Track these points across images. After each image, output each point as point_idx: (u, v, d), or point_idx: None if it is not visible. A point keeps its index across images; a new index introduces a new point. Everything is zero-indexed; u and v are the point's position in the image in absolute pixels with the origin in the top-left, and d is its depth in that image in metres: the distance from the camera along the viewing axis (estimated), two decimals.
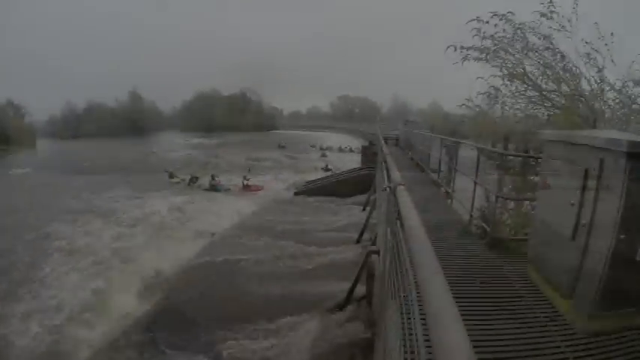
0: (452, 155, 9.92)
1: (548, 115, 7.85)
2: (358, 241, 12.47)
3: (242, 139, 73.23)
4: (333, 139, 66.80)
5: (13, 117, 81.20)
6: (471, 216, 7.27)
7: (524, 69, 7.87)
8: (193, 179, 26.56)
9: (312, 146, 52.45)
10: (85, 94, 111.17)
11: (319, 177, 25.40)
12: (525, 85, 7.96)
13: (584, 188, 3.63)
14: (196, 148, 54.71)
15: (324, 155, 42.21)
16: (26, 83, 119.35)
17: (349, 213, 16.73)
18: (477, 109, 9.69)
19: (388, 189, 3.85)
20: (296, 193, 21.03)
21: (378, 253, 5.42)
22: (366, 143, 30.59)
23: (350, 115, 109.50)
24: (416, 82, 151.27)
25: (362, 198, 18.35)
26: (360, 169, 21.52)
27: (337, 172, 27.02)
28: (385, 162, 7.51)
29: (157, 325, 8.85)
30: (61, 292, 10.30)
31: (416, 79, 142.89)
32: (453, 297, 1.14)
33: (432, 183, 12.05)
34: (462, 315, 1.04)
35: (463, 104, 9.70)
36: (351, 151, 46.78)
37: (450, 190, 9.46)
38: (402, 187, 3.19)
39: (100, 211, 18.24)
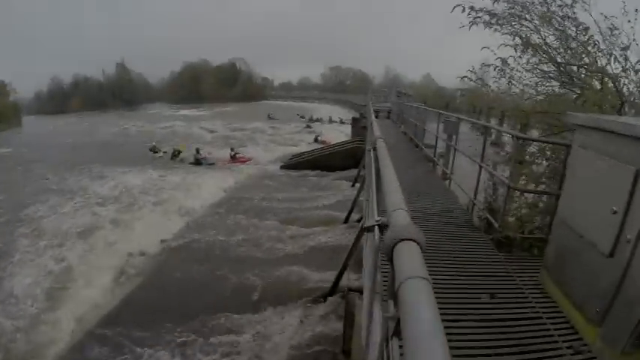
0: (451, 132, 8.99)
1: (573, 93, 6.79)
2: (346, 221, 11.61)
3: (231, 110, 72.19)
4: (324, 110, 65.29)
5: None
6: (474, 204, 6.39)
7: (544, 38, 6.82)
8: (176, 153, 25.50)
9: (302, 117, 50.71)
10: (73, 68, 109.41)
11: (308, 150, 24.42)
12: (540, 57, 6.93)
13: (632, 194, 2.72)
14: (182, 120, 53.07)
15: (308, 127, 40.66)
16: (12, 59, 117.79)
17: (338, 189, 15.85)
18: (479, 82, 8.59)
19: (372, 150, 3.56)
20: (282, 167, 20.08)
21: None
22: (357, 115, 29.57)
23: (342, 86, 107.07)
24: (410, 55, 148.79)
25: (352, 173, 17.47)
26: (350, 142, 20.51)
27: (326, 144, 26.18)
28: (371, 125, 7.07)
29: (124, 318, 8.02)
30: (22, 282, 9.45)
31: (410, 52, 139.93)
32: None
33: (427, 160, 11.18)
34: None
35: (465, 76, 8.66)
36: (341, 122, 45.17)
37: (448, 172, 8.55)
38: (381, 140, 3.02)
39: (75, 191, 17.39)
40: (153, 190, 17.30)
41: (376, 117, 24.73)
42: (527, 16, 6.95)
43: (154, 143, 27.79)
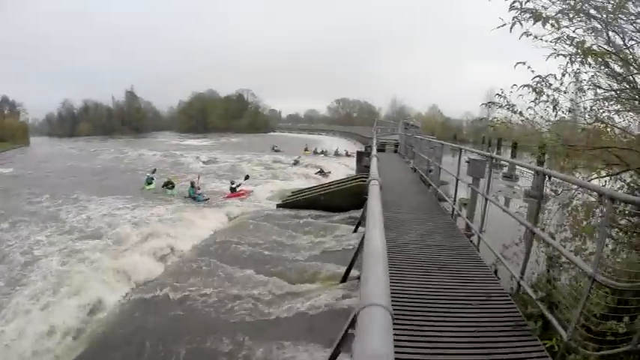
0: (478, 174, 6.92)
1: None
2: (344, 280, 9.39)
3: (235, 142, 70.89)
4: (330, 142, 63.74)
5: (8, 114, 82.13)
6: (520, 286, 4.28)
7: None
8: (169, 185, 23.50)
9: (306, 150, 48.67)
10: (84, 92, 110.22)
11: (309, 186, 22.35)
12: (604, 69, 4.90)
13: None
14: (185, 150, 51.52)
15: (295, 163, 37.74)
16: (26, 82, 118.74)
17: (337, 233, 13.64)
18: (508, 108, 6.55)
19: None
20: (279, 206, 17.83)
21: None
22: (362, 148, 27.63)
23: (348, 118, 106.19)
24: (415, 87, 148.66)
25: (355, 215, 15.38)
26: (354, 178, 18.41)
27: (328, 180, 24.10)
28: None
29: None
30: None
31: (415, 84, 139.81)
32: None
33: (443, 209, 9.06)
34: None
35: (490, 103, 6.68)
36: (347, 155, 43.14)
37: (475, 229, 6.45)
38: (374, 182, 3.23)
39: (52, 221, 16.45)
40: (136, 227, 15.50)
41: (382, 150, 22.91)
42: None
43: (148, 174, 25.71)
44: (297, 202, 17.48)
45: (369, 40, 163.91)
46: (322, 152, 47.48)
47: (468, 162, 7.84)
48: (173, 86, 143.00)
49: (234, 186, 23.11)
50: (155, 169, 26.64)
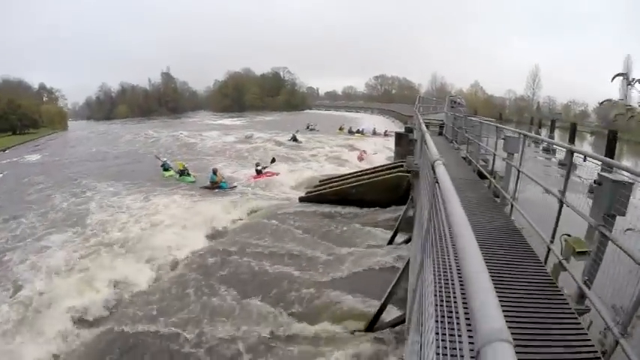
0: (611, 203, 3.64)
1: None
2: (373, 324, 6.62)
3: (270, 120, 68.60)
4: (368, 120, 60.25)
5: (47, 100, 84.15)
6: None
7: None
8: (186, 173, 21.29)
9: (341, 129, 45.28)
10: (122, 75, 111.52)
11: (340, 174, 19.48)
12: None
13: None
14: (219, 129, 49.43)
15: (294, 139, 35.76)
16: (68, 69, 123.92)
17: (370, 243, 10.83)
18: None
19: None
20: (302, 199, 15.21)
21: None
22: (402, 129, 24.47)
23: (387, 95, 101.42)
24: (455, 63, 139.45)
25: (392, 213, 12.53)
26: (393, 166, 15.40)
27: (364, 167, 21.18)
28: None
29: None
30: None
31: (455, 60, 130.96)
32: None
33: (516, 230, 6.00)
34: None
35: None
36: (386, 135, 39.62)
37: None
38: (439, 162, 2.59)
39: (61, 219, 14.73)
40: (140, 224, 13.58)
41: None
42: None
43: (164, 159, 23.53)
44: (323, 194, 14.74)
45: (407, 14, 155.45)
46: (358, 131, 43.45)
47: (598, 183, 4.28)
48: (210, 65, 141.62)
49: (259, 168, 21.41)
50: (166, 160, 24.10)
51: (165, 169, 22.67)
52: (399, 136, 20.30)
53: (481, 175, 9.29)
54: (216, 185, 18.83)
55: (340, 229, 12.03)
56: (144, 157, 30.30)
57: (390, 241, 10.18)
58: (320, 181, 17.38)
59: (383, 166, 16.89)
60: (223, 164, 24.85)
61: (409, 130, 19.86)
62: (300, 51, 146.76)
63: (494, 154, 8.21)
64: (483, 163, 9.84)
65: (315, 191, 15.34)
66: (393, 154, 23.06)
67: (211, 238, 12.20)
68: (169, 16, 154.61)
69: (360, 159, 26.25)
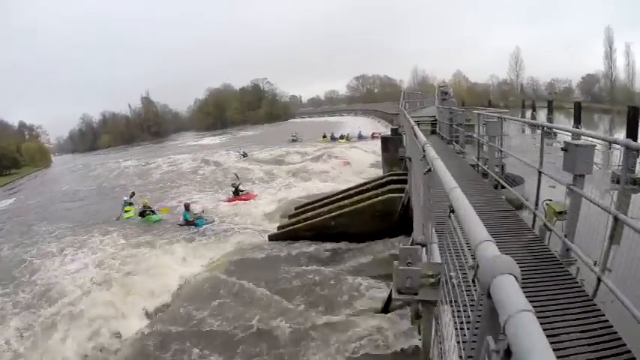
0: None
1: None
2: None
3: (252, 135, 65.45)
4: (352, 123, 57.11)
5: (28, 138, 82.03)
6: None
7: None
8: (147, 212, 17.94)
9: (324, 137, 41.92)
10: (103, 104, 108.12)
11: (322, 194, 16.31)
12: None
13: None
14: (199, 151, 46.00)
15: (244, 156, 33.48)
16: (48, 103, 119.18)
17: (357, 307, 7.59)
18: None
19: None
20: (272, 238, 11.96)
21: None
22: (387, 131, 21.39)
23: (370, 95, 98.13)
24: (435, 56, 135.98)
25: (383, 247, 9.41)
26: (382, 182, 12.16)
27: (345, 188, 18.15)
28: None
29: None
30: None
31: (435, 53, 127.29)
32: None
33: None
34: None
35: None
36: (374, 137, 35.58)
37: None
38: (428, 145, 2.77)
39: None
40: (73, 290, 10.51)
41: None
42: None
43: (125, 199, 20.03)
44: (296, 230, 11.45)
45: (384, 13, 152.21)
46: (342, 137, 40.00)
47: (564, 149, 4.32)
48: (190, 85, 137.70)
49: (238, 187, 19.36)
50: (133, 193, 21.01)
51: (126, 210, 19.24)
52: (385, 141, 17.19)
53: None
54: (192, 222, 15.79)
55: (315, 280, 8.83)
56: (109, 193, 27.55)
57: (384, 310, 6.93)
58: (296, 209, 14.13)
59: (369, 182, 13.47)
60: (195, 193, 21.81)
61: (395, 132, 16.76)
62: (278, 61, 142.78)
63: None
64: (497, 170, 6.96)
65: (288, 225, 12.07)
66: (379, 158, 20.09)
67: (150, 315, 8.91)
68: (144, 39, 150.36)
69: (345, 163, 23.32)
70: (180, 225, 15.98)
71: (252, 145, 44.81)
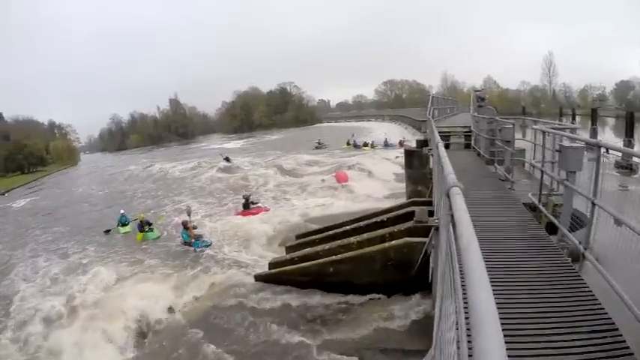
0: None
1: None
2: None
3: (276, 138, 63.40)
4: (379, 128, 54.11)
5: (59, 137, 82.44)
6: None
7: None
8: (145, 227, 15.85)
9: (348, 144, 38.96)
10: (133, 106, 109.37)
11: (329, 218, 13.85)
12: None
13: None
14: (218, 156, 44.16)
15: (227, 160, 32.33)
16: (80, 102, 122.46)
17: None
18: None
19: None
20: (258, 278, 9.28)
21: None
22: (415, 137, 18.61)
23: (398, 100, 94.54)
24: (465, 61, 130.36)
25: (399, 309, 6.80)
26: (401, 211, 9.37)
27: (362, 206, 15.56)
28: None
29: None
30: None
31: (465, 58, 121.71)
32: None
33: None
34: None
35: None
36: (401, 145, 31.31)
37: None
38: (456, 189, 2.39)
39: None
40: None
41: (446, 147, 13.82)
42: None
43: (121, 212, 17.97)
44: (289, 274, 8.77)
45: (413, 17, 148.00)
46: (366, 144, 37.07)
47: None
48: (220, 87, 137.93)
49: (249, 200, 17.51)
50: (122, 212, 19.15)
51: (123, 224, 17.30)
52: (409, 154, 14.44)
53: None
54: (189, 243, 13.79)
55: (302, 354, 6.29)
56: (118, 199, 26.01)
57: None
58: (297, 237, 11.55)
59: (384, 212, 10.61)
60: (199, 205, 19.74)
61: (423, 144, 13.99)
62: (307, 64, 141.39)
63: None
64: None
65: (280, 264, 9.37)
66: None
67: None
68: (173, 43, 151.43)
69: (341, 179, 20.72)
70: (182, 244, 14.07)
71: (275, 151, 42.49)
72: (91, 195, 30.65)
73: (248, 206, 17.15)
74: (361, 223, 9.51)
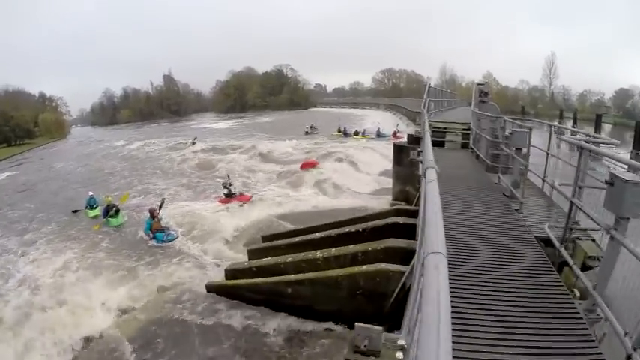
0: None
1: None
2: None
3: (268, 121, 61.55)
4: (374, 117, 52.46)
5: (50, 109, 79.28)
6: None
7: None
8: (113, 211, 14.49)
9: (339, 131, 36.78)
10: (126, 80, 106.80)
11: (302, 216, 12.48)
12: None
13: None
14: (211, 136, 42.21)
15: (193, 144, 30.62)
16: (74, 76, 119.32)
17: None
18: None
19: None
20: (209, 289, 7.70)
21: None
22: (409, 129, 17.00)
23: (395, 89, 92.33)
24: (465, 55, 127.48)
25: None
26: (381, 222, 7.71)
27: (343, 201, 14.11)
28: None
29: None
30: None
31: (465, 52, 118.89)
32: None
33: None
34: None
35: None
36: (395, 136, 30.09)
37: None
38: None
39: None
40: None
41: (440, 143, 12.28)
42: None
43: (90, 194, 16.63)
44: (243, 289, 7.24)
45: (415, 13, 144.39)
46: (357, 133, 35.14)
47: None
48: (215, 66, 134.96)
49: (229, 190, 16.20)
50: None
51: (91, 207, 16.05)
52: (398, 151, 12.88)
53: None
54: (152, 236, 12.34)
55: None
56: (95, 177, 24.82)
57: None
58: (263, 238, 9.97)
59: (361, 219, 8.92)
60: (176, 189, 18.42)
61: (414, 141, 12.42)
62: (306, 47, 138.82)
63: None
64: None
65: (234, 274, 7.84)
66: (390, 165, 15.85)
67: None
68: (170, 19, 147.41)
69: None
70: (144, 237, 12.69)
71: (264, 134, 40.92)
72: (69, 172, 28.92)
73: (230, 194, 16.03)
74: (333, 232, 7.94)
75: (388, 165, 19.54)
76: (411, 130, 27.73)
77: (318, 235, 8.10)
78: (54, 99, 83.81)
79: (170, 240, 12.07)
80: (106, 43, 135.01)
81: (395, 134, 31.57)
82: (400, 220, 7.35)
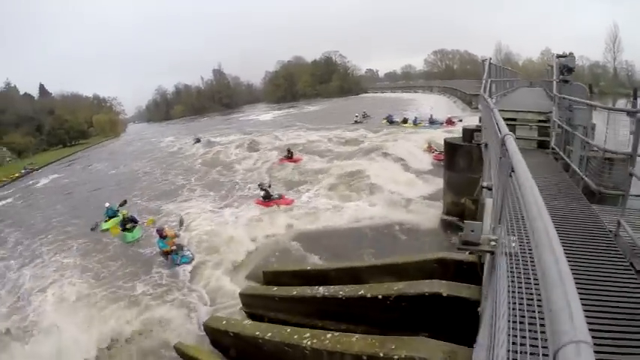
0: None
1: None
2: None
3: (317, 109, 59.73)
4: (426, 101, 48.45)
5: (102, 111, 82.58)
6: None
7: None
8: (127, 225, 13.45)
9: (388, 120, 33.51)
10: (179, 77, 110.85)
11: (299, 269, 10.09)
12: None
13: None
14: (256, 129, 40.50)
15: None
16: (132, 76, 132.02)
17: None
18: None
19: None
20: (179, 352, 5.34)
21: None
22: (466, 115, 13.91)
23: (448, 71, 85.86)
24: (521, 32, 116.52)
25: None
26: (420, 292, 4.91)
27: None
28: None
29: None
30: None
31: (520, 28, 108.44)
32: None
33: None
34: None
35: None
36: (449, 123, 27.49)
37: None
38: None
39: None
40: None
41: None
42: None
43: (107, 205, 15.62)
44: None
45: None
46: (405, 121, 31.55)
47: None
48: (266, 60, 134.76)
49: (268, 190, 15.09)
50: (125, 200, 16.86)
51: (109, 217, 15.09)
52: (451, 150, 9.99)
53: None
54: (166, 254, 10.93)
55: None
56: (135, 179, 24.52)
57: None
58: (264, 274, 7.61)
59: (391, 266, 5.98)
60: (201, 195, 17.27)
61: (469, 136, 9.43)
62: (354, 34, 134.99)
63: None
64: None
65: (223, 327, 5.56)
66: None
67: None
68: (221, 16, 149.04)
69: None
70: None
71: (311, 124, 38.63)
72: (110, 176, 28.64)
73: (268, 196, 14.89)
74: (346, 290, 5.23)
75: (440, 156, 16.50)
76: (467, 115, 24.17)
77: (329, 291, 5.44)
78: (108, 100, 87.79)
79: (185, 262, 10.37)
80: (157, 44, 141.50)
81: (449, 120, 28.18)
82: (444, 290, 4.50)
